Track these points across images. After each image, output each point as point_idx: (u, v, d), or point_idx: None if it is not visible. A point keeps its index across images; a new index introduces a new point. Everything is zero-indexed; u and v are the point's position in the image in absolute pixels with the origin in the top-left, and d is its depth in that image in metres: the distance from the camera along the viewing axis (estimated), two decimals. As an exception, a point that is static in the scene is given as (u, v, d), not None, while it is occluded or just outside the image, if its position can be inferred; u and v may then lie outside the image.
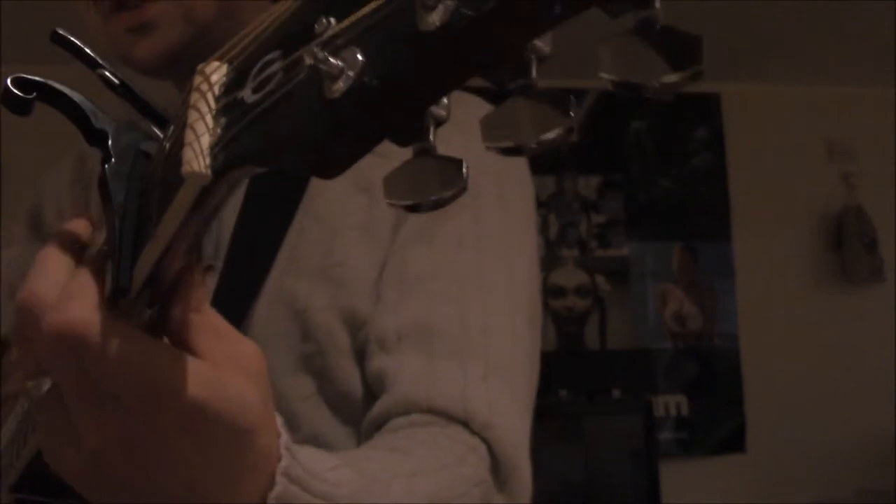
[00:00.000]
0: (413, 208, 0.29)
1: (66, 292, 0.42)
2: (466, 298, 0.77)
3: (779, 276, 3.60)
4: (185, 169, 0.34)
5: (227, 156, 0.33)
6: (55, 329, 0.41)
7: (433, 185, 0.29)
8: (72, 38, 0.46)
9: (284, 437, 0.48)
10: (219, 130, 0.34)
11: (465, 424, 0.72)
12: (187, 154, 0.34)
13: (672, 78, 0.24)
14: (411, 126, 0.29)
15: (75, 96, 0.44)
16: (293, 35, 0.31)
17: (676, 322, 3.57)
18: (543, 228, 3.50)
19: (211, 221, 0.40)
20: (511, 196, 0.83)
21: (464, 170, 0.29)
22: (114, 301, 0.41)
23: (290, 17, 0.32)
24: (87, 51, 0.46)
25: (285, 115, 0.31)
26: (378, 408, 0.75)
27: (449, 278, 0.78)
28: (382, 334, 0.77)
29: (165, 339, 0.45)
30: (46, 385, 0.45)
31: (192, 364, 0.43)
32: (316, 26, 0.30)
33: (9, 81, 0.43)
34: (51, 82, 0.44)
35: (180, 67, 0.80)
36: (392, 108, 0.28)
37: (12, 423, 0.64)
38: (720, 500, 3.34)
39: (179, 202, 0.36)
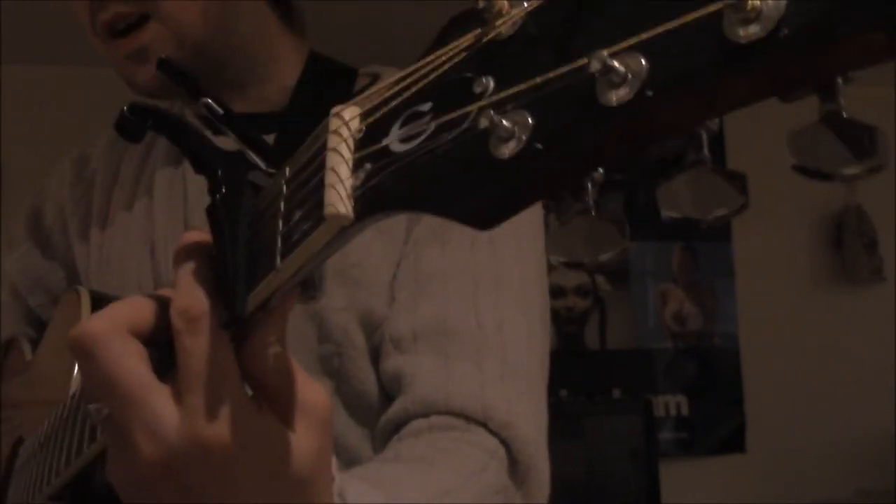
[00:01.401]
0: (574, 266, 0.31)
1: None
2: (481, 297, 0.78)
3: (779, 276, 3.60)
4: (328, 210, 0.35)
5: (369, 200, 0.35)
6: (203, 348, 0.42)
7: (594, 244, 0.31)
8: (180, 68, 0.47)
9: (337, 483, 0.49)
10: (361, 175, 0.35)
11: (485, 425, 0.72)
12: (330, 196, 0.35)
13: (853, 170, 0.26)
14: (572, 187, 0.31)
15: (189, 125, 0.45)
16: (448, 91, 0.32)
17: (676, 322, 3.57)
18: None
19: (327, 259, 0.40)
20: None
21: (625, 230, 0.31)
22: (226, 328, 0.42)
23: (445, 73, 0.33)
24: (194, 80, 0.47)
25: (444, 168, 0.32)
26: (395, 408, 0.75)
27: (463, 278, 0.78)
28: (398, 334, 0.77)
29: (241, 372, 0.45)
30: (106, 410, 0.46)
31: (257, 413, 0.43)
32: (474, 86, 0.31)
33: (126, 108, 0.44)
34: (166, 111, 0.45)
35: (176, 89, 0.81)
36: (557, 172, 0.29)
37: (46, 431, 0.64)
38: (720, 500, 3.34)
39: (315, 241, 0.37)
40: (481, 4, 0.32)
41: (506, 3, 0.31)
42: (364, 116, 0.36)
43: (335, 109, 0.37)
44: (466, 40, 0.32)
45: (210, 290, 0.43)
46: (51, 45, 2.64)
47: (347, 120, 0.36)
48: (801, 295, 3.61)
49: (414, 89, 0.34)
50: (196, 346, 0.42)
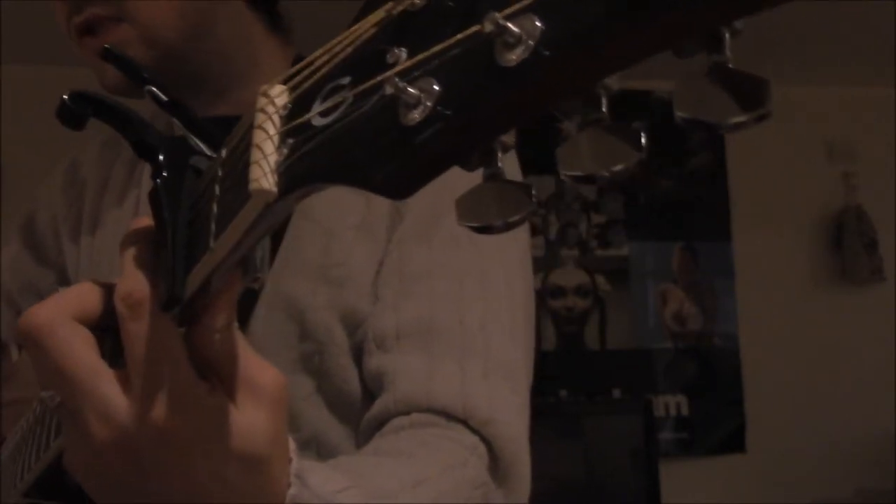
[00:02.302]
0: (484, 230, 0.31)
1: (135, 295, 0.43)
2: (465, 296, 0.78)
3: (779, 276, 3.60)
4: (253, 186, 0.35)
5: (293, 175, 0.35)
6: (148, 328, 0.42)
7: (503, 208, 0.30)
8: (123, 56, 0.48)
9: (295, 464, 0.49)
10: (285, 150, 0.35)
11: (465, 422, 0.72)
12: (255, 172, 0.35)
13: (741, 118, 0.26)
14: (481, 153, 0.31)
15: (130, 112, 0.45)
16: (364, 63, 0.33)
17: (676, 322, 3.57)
18: (543, 228, 3.50)
19: (263, 239, 0.41)
20: (505, 156, 0.84)
21: (532, 193, 0.30)
22: (166, 311, 0.42)
23: (361, 46, 0.33)
24: (138, 68, 0.48)
25: (358, 138, 0.32)
26: (378, 407, 0.75)
27: (447, 276, 0.78)
28: (381, 333, 0.77)
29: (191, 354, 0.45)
30: (57, 397, 0.46)
31: (205, 392, 0.44)
32: (388, 56, 0.31)
33: (66, 97, 0.44)
34: (107, 98, 0.45)
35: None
36: (465, 136, 0.29)
37: (21, 428, 0.64)
38: (720, 500, 3.34)
39: (242, 218, 0.37)
40: None
41: None
42: (291, 91, 0.37)
43: (263, 87, 0.37)
44: (383, 12, 0.33)
45: (151, 274, 0.43)
46: (51, 45, 2.64)
47: (273, 97, 0.37)
48: (801, 295, 3.61)
49: (334, 62, 0.34)
50: (139, 329, 0.43)
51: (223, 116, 0.86)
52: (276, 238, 0.81)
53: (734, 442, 3.52)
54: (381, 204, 0.80)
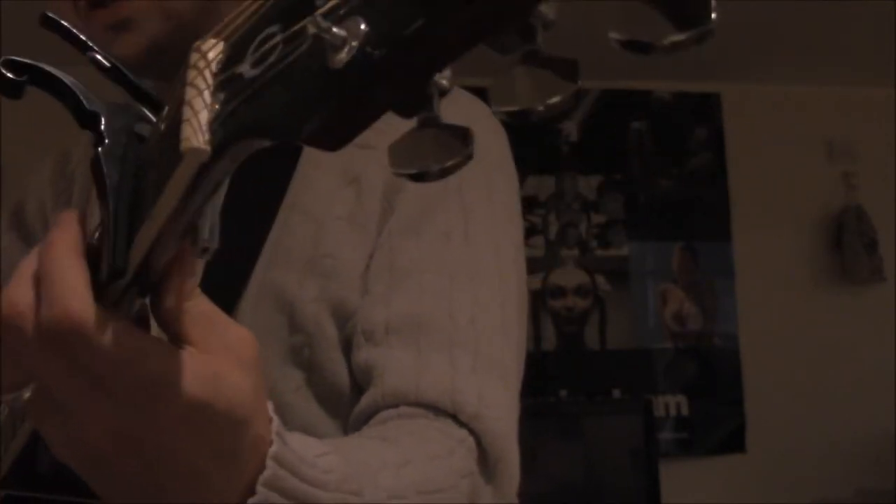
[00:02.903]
0: (418, 177, 0.29)
1: (52, 282, 0.42)
2: (455, 290, 0.77)
3: (779, 276, 3.60)
4: (185, 145, 0.33)
5: (226, 131, 0.33)
6: (50, 322, 0.41)
7: (439, 154, 0.29)
8: (62, 22, 0.46)
9: (276, 423, 0.48)
10: (217, 106, 0.34)
11: (454, 416, 0.72)
12: (186, 130, 0.34)
13: (679, 37, 0.25)
14: (415, 97, 0.29)
15: (66, 79, 0.44)
16: (292, 8, 0.31)
17: (676, 322, 3.57)
18: (543, 228, 3.50)
19: (207, 203, 0.40)
20: (497, 187, 0.83)
21: (469, 138, 0.29)
22: (110, 283, 0.41)
23: None
24: (78, 34, 0.46)
25: (287, 88, 0.30)
26: (366, 400, 0.75)
27: (437, 270, 0.78)
28: (371, 326, 0.77)
29: (156, 328, 0.45)
30: (26, 393, 0.45)
31: (186, 357, 0.43)
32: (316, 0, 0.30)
33: (0, 63, 0.43)
34: (42, 65, 0.44)
35: (160, 63, 0.80)
36: (396, 77, 0.28)
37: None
38: (720, 500, 3.34)
39: (177, 180, 0.36)
40: None
41: None
42: (225, 44, 0.35)
43: (196, 43, 0.36)
44: None
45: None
46: (51, 45, 2.63)
47: (206, 52, 0.35)
48: (801, 295, 3.61)
49: (262, 11, 0.33)
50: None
51: None
52: (264, 228, 0.81)
53: (734, 442, 3.52)
54: (372, 196, 0.79)
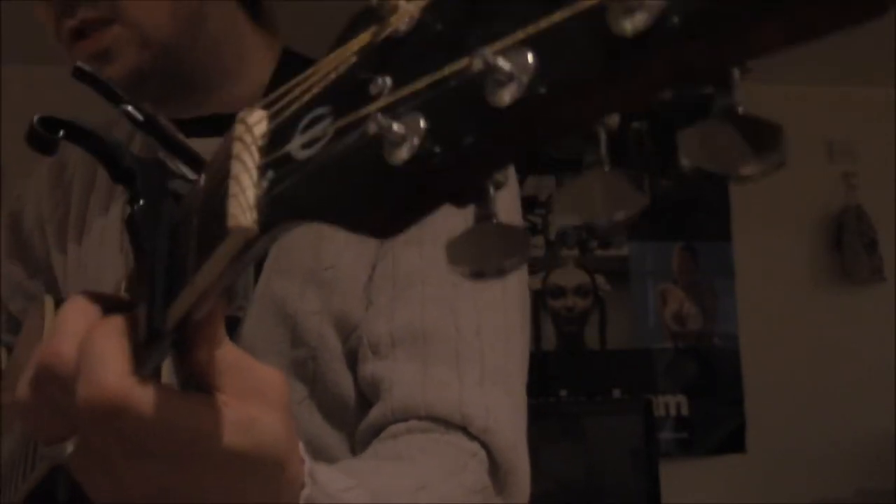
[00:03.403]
0: (476, 276, 0.29)
1: (95, 356, 0.41)
2: (459, 300, 0.77)
3: (779, 276, 3.60)
4: (231, 223, 0.33)
5: (273, 210, 0.33)
6: (89, 401, 0.41)
7: (496, 253, 0.28)
8: (94, 73, 0.46)
9: (308, 464, 0.49)
10: (265, 184, 0.34)
11: (464, 429, 0.72)
12: (233, 207, 0.34)
13: (752, 169, 0.23)
14: (473, 192, 0.29)
15: (103, 135, 0.44)
16: (345, 93, 0.31)
17: (676, 322, 3.57)
18: (543, 228, 3.50)
19: (246, 269, 0.40)
20: (498, 194, 0.83)
21: (526, 237, 0.28)
22: (149, 345, 0.41)
23: (342, 74, 0.31)
24: (111, 86, 0.46)
25: (341, 177, 0.30)
26: (374, 414, 0.75)
27: (441, 280, 0.78)
28: (376, 339, 0.76)
29: (167, 375, 0.45)
30: (70, 447, 0.45)
31: (220, 407, 0.43)
32: (371, 86, 0.30)
33: (35, 121, 0.42)
34: (78, 122, 0.44)
35: (149, 89, 0.81)
36: (455, 176, 0.28)
37: (10, 441, 0.64)
38: (720, 500, 3.34)
39: (222, 253, 0.36)
40: (375, 1, 0.30)
41: None
42: (271, 119, 0.35)
43: (241, 114, 0.36)
44: (364, 38, 0.31)
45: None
46: (51, 45, 2.64)
47: (252, 125, 0.35)
48: (801, 295, 3.61)
49: (314, 91, 0.33)
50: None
51: (213, 116, 0.85)
52: None
53: (734, 442, 3.52)
54: None
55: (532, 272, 3.44)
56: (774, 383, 3.50)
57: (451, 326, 0.76)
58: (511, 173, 0.87)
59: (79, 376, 0.41)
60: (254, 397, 0.44)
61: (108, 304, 0.45)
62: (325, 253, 0.79)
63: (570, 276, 3.52)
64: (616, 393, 3.44)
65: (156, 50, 0.80)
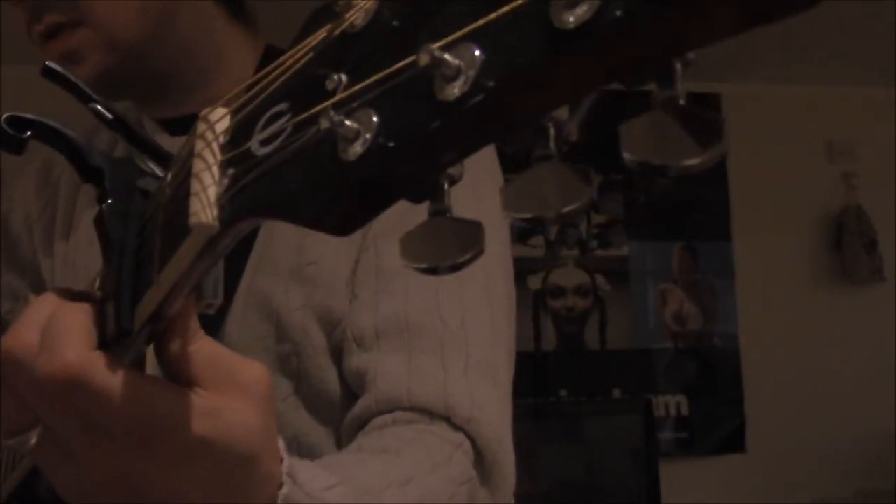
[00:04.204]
0: (430, 271, 0.29)
1: (55, 333, 0.41)
2: (444, 292, 0.77)
3: (779, 276, 3.60)
4: (193, 220, 0.34)
5: (235, 207, 0.34)
6: (49, 375, 0.40)
7: (450, 248, 0.29)
8: (64, 73, 0.46)
9: (286, 462, 0.48)
10: (226, 181, 0.34)
11: (448, 420, 0.72)
12: (194, 205, 0.34)
13: (693, 160, 0.24)
14: (426, 186, 0.29)
15: (69, 134, 0.44)
16: (303, 89, 0.31)
17: (676, 322, 3.57)
18: (543, 228, 3.50)
19: (213, 267, 0.40)
20: (483, 187, 0.83)
21: (481, 232, 0.29)
22: (117, 341, 0.41)
23: (299, 70, 0.32)
24: (80, 85, 0.46)
25: (299, 172, 0.30)
26: (359, 406, 0.75)
27: None
28: (360, 332, 0.77)
29: (152, 368, 0.45)
30: (33, 438, 0.45)
31: (189, 395, 0.43)
32: (327, 82, 0.30)
33: (2, 120, 0.43)
34: (45, 120, 0.44)
35: (122, 90, 0.81)
36: (408, 171, 0.28)
37: None
38: (720, 500, 3.34)
39: (185, 251, 0.36)
40: None
41: None
42: (233, 116, 0.35)
43: (204, 111, 0.36)
44: (322, 34, 0.31)
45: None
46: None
47: (213, 122, 0.35)
48: (801, 295, 3.61)
49: (274, 88, 0.33)
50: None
51: (195, 114, 0.85)
52: (250, 237, 0.80)
53: (734, 442, 3.52)
54: None
55: (532, 272, 3.45)
56: (774, 383, 3.50)
57: (436, 318, 0.76)
58: (494, 168, 0.86)
59: (39, 354, 0.41)
60: (229, 389, 0.44)
61: (79, 300, 0.44)
62: (308, 248, 0.79)
63: (570, 276, 3.52)
64: (616, 393, 3.43)
65: (124, 51, 0.80)
